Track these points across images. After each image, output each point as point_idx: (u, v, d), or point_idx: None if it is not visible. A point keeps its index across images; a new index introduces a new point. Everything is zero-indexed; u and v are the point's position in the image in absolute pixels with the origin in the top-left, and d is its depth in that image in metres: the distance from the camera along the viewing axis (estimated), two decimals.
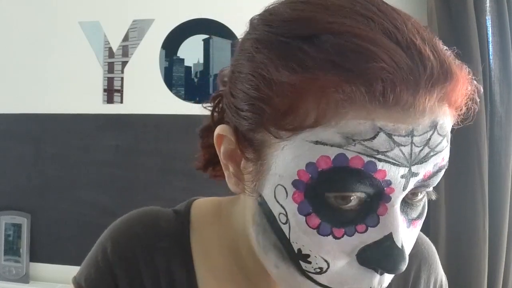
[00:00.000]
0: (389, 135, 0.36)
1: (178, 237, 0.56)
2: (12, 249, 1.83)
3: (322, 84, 0.36)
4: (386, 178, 0.37)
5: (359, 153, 0.36)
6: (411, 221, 0.42)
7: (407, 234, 0.41)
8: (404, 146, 0.37)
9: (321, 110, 0.36)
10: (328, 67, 0.36)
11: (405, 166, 0.37)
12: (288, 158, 0.39)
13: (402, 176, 0.37)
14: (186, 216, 0.57)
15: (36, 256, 1.84)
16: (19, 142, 1.89)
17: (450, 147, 0.40)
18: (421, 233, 0.62)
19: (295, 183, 0.39)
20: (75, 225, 1.79)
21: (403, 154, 0.37)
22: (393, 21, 0.38)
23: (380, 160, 0.36)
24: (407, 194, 0.40)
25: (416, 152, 0.37)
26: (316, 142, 0.37)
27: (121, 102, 1.84)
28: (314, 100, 0.37)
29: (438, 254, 0.64)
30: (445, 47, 0.39)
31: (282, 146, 0.39)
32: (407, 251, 0.41)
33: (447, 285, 0.64)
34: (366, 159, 0.36)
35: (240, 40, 0.45)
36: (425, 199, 0.43)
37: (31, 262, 1.83)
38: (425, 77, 0.35)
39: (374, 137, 0.36)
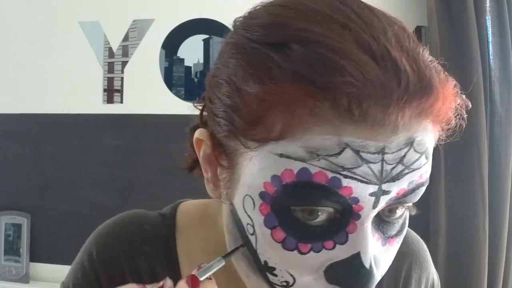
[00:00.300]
0: (357, 152, 0.34)
1: (163, 241, 0.55)
2: (12, 249, 1.82)
3: (287, 97, 0.35)
4: (353, 195, 0.36)
5: (323, 168, 0.35)
6: (387, 239, 0.40)
7: (381, 252, 0.40)
8: (374, 163, 0.35)
9: (286, 123, 0.35)
10: (293, 79, 0.35)
11: (375, 184, 0.35)
12: (255, 169, 0.38)
13: (371, 194, 0.36)
14: (171, 219, 0.57)
15: (36, 256, 1.84)
16: (19, 142, 1.89)
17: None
18: (412, 231, 0.61)
19: (262, 195, 0.38)
20: (75, 225, 1.79)
21: (373, 171, 0.35)
22: (371, 29, 0.36)
23: (345, 176, 0.35)
24: (383, 211, 0.39)
25: (387, 169, 0.35)
26: (281, 155, 0.36)
27: (121, 102, 1.84)
28: (280, 113, 0.35)
29: (438, 254, 0.64)
30: (430, 58, 0.37)
31: (251, 156, 0.38)
32: (380, 270, 0.40)
33: (439, 283, 0.63)
34: (330, 174, 0.35)
35: (223, 42, 0.44)
36: (406, 215, 0.42)
37: (31, 262, 1.83)
38: (398, 92, 0.33)
39: (339, 153, 0.34)
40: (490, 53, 1.51)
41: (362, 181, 0.35)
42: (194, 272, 0.40)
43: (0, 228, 1.83)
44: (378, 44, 0.35)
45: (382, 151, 0.35)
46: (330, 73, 0.34)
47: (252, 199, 0.39)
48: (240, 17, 0.43)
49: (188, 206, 0.58)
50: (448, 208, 1.52)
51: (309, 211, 0.37)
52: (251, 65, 0.38)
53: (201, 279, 0.38)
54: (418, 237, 0.62)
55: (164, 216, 0.58)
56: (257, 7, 0.42)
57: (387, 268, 0.41)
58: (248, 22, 0.41)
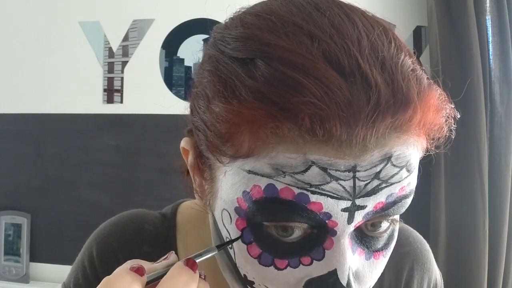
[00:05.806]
0: (324, 169, 0.33)
1: (163, 241, 0.55)
2: (12, 249, 1.82)
3: (249, 118, 0.34)
4: (324, 211, 0.35)
5: (289, 184, 0.34)
6: (372, 253, 0.39)
7: (365, 266, 0.39)
8: (345, 180, 0.34)
9: (252, 142, 0.35)
10: (256, 99, 0.34)
11: (347, 199, 0.35)
12: (229, 184, 0.38)
13: (344, 209, 0.35)
14: (172, 219, 0.57)
15: (36, 256, 1.84)
16: (19, 142, 1.89)
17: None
18: (414, 231, 0.61)
19: (237, 210, 0.38)
20: (75, 225, 1.79)
21: (343, 187, 0.34)
22: (343, 40, 0.34)
23: (313, 192, 0.34)
24: (365, 226, 0.38)
25: (361, 185, 0.34)
26: (249, 171, 0.36)
27: (121, 102, 1.84)
28: (245, 132, 0.35)
29: (438, 254, 0.63)
30: (412, 66, 0.35)
31: (224, 171, 0.38)
32: (365, 284, 0.39)
33: (442, 283, 0.63)
34: (297, 191, 0.34)
35: (203, 49, 0.43)
36: (393, 228, 0.40)
37: (31, 262, 1.83)
38: (367, 110, 0.32)
39: (305, 171, 0.34)
40: (490, 53, 1.51)
41: (332, 197, 0.34)
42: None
43: (0, 228, 1.83)
44: (348, 57, 0.33)
45: (353, 169, 0.34)
46: (291, 93, 0.32)
47: (229, 214, 0.39)
48: (219, 25, 0.43)
49: (188, 207, 0.59)
50: (448, 208, 1.52)
51: (282, 227, 0.36)
52: (221, 81, 0.37)
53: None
54: (421, 237, 0.62)
55: (164, 216, 0.58)
56: (235, 16, 0.41)
57: (374, 282, 0.41)
58: (223, 33, 0.40)
